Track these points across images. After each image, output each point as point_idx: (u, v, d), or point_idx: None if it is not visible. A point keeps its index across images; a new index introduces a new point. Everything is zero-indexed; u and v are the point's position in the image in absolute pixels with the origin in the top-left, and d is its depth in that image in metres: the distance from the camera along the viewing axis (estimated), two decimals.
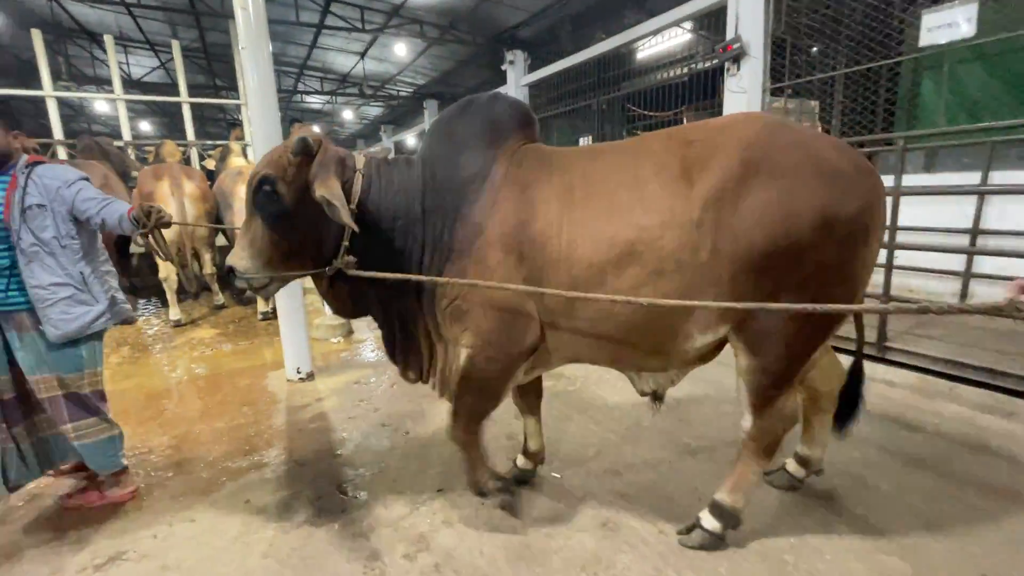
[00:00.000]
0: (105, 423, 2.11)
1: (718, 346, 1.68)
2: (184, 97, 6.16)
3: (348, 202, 1.65)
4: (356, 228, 1.60)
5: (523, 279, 1.62)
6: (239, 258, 1.73)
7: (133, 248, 5.61)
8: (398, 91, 14.12)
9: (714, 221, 1.46)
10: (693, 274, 1.50)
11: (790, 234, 1.41)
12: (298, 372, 3.51)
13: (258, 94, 3.17)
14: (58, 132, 6.36)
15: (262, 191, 1.67)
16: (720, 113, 6.48)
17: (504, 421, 2.80)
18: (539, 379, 2.14)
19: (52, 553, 1.90)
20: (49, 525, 2.07)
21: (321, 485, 2.28)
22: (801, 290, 1.46)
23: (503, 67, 9.78)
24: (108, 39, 7.14)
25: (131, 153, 6.31)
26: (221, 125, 15.72)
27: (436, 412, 2.96)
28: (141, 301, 5.64)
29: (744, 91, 5.27)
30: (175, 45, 6.70)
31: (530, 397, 2.18)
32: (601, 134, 8.43)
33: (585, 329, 1.66)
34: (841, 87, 5.60)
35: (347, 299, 1.87)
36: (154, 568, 1.81)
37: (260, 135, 3.22)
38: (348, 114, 16.12)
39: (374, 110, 17.40)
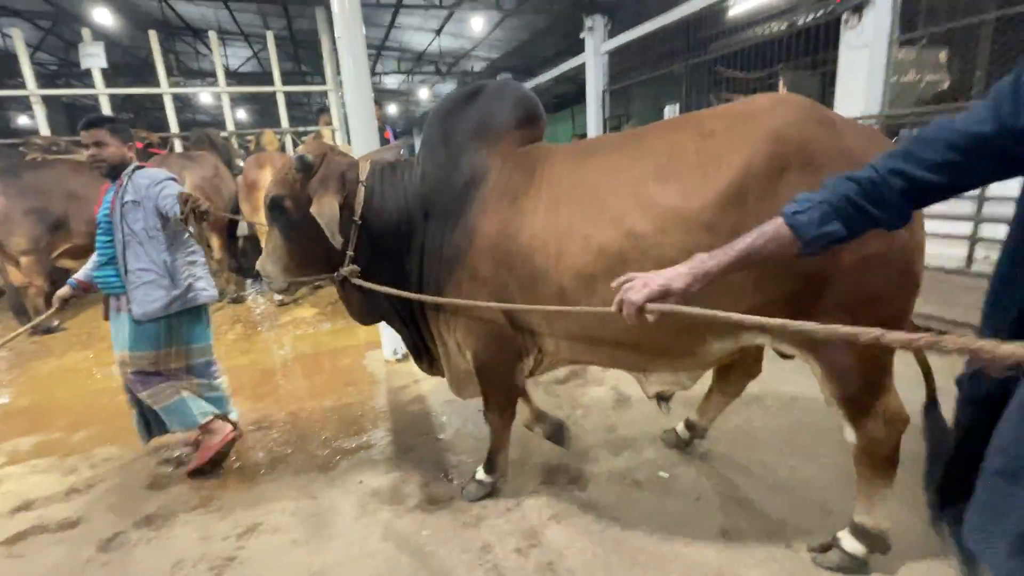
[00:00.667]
0: (172, 388, 2.35)
1: (753, 353, 1.67)
2: (278, 86, 6.48)
3: (352, 214, 1.77)
4: (338, 245, 1.69)
5: (516, 290, 1.65)
6: (263, 263, 1.98)
7: (238, 232, 6.04)
8: (472, 67, 14.04)
9: (735, 223, 1.31)
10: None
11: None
12: (395, 353, 3.63)
13: (353, 80, 3.21)
14: (173, 125, 6.94)
15: (274, 208, 1.83)
16: (825, 72, 5.78)
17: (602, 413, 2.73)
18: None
19: (200, 519, 2.11)
20: (195, 493, 2.30)
21: (427, 469, 2.35)
22: (849, 292, 1.33)
23: (581, 35, 9.38)
24: (212, 35, 7.60)
25: (234, 142, 6.77)
26: (306, 111, 16.52)
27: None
28: (248, 281, 6.10)
29: (866, 46, 4.64)
30: (269, 36, 7.01)
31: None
32: (688, 102, 7.89)
33: (580, 335, 1.66)
34: (990, 35, 4.78)
35: (359, 305, 1.98)
36: (286, 542, 1.95)
37: (356, 120, 3.28)
38: (424, 92, 16.31)
39: (448, 87, 17.48)
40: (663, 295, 1.07)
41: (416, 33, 11.52)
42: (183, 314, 2.35)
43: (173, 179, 2.31)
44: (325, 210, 1.69)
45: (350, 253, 1.80)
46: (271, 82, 7.17)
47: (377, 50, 12.93)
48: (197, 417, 2.37)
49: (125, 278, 2.24)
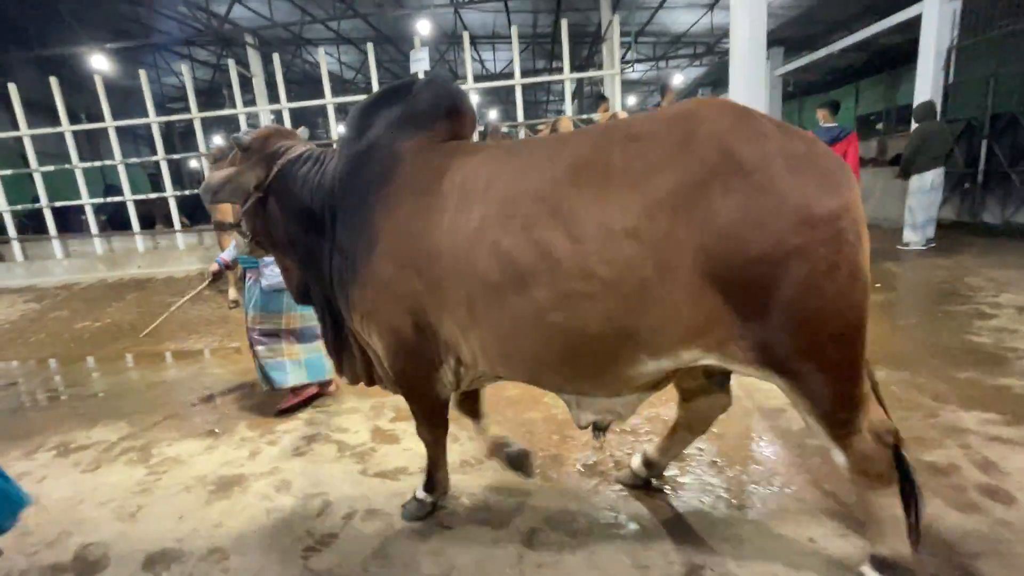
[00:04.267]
0: (283, 350, 2.95)
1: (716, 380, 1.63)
2: (567, 74, 6.56)
3: (257, 188, 1.82)
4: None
5: (424, 293, 1.53)
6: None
7: None
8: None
9: (664, 232, 1.23)
10: (630, 295, 1.26)
11: (768, 240, 1.18)
12: None
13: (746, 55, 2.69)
14: None
15: None
16: None
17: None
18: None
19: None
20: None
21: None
22: (795, 299, 1.19)
23: None
24: (466, 35, 7.96)
25: (522, 133, 7.12)
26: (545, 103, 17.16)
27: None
28: None
29: None
30: (564, 23, 6.97)
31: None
32: None
33: (496, 345, 1.48)
34: None
35: (293, 285, 2.01)
36: None
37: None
38: (678, 79, 15.31)
39: (694, 72, 16.20)
40: None
41: (683, 12, 10.73)
42: None
43: None
44: (212, 176, 1.84)
45: (242, 215, 1.89)
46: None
47: (632, 38, 12.58)
48: (290, 380, 2.94)
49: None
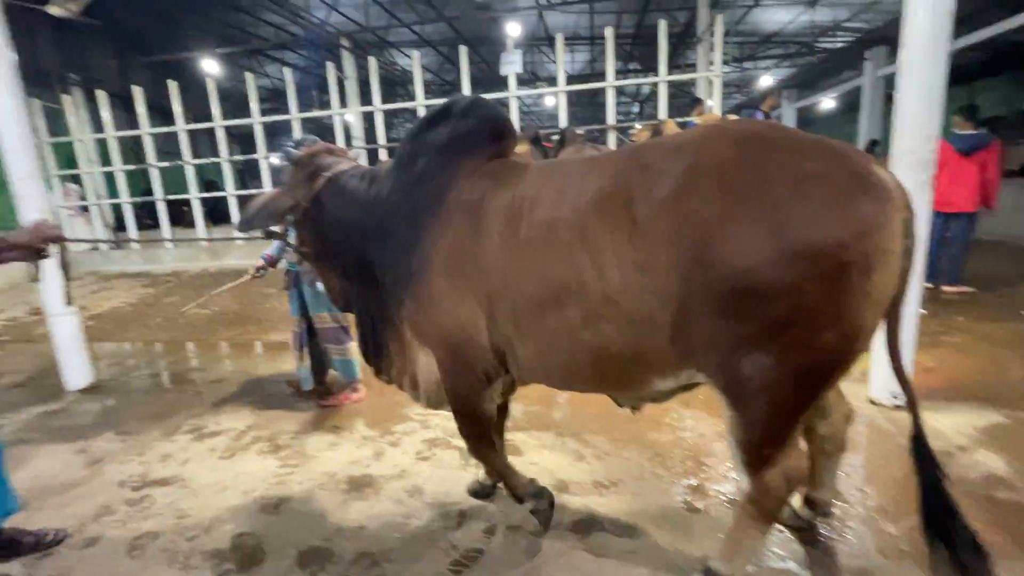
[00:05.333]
0: (348, 348, 3.11)
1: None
2: (663, 75, 6.32)
3: (304, 200, 1.95)
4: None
5: (475, 309, 1.60)
6: None
7: None
8: (832, 43, 11.78)
9: (666, 264, 1.27)
10: (640, 321, 1.34)
11: (754, 273, 1.17)
12: (894, 397, 2.78)
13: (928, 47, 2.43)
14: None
15: None
16: None
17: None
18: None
19: None
20: None
21: None
22: (778, 335, 1.20)
23: None
24: (559, 38, 7.87)
25: (612, 137, 6.95)
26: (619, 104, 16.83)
27: None
28: None
29: None
30: (662, 24, 6.72)
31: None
32: None
33: (537, 357, 1.58)
34: None
35: (337, 293, 2.10)
36: None
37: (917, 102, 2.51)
38: (766, 80, 14.58)
39: (780, 73, 15.33)
40: None
41: (777, 10, 10.16)
42: None
43: None
44: (263, 197, 1.98)
45: (285, 221, 2.07)
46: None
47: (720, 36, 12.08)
48: (358, 374, 3.19)
49: None
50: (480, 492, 2.20)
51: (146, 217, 9.72)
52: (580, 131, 5.81)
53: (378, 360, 2.03)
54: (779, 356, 1.22)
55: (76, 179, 8.98)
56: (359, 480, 2.39)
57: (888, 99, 14.42)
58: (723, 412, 1.38)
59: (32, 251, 1.81)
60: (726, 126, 1.39)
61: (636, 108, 20.70)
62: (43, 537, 2.03)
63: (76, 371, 3.78)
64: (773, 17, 10.48)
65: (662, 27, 6.36)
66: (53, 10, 5.61)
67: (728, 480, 2.23)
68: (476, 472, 2.38)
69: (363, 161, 7.33)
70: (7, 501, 1.93)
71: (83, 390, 3.76)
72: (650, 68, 12.52)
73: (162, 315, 5.98)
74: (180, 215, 9.43)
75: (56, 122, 8.64)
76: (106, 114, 8.05)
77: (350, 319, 3.04)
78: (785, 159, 1.22)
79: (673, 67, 13.62)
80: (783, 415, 1.32)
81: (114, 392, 3.71)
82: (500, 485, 2.16)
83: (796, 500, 1.87)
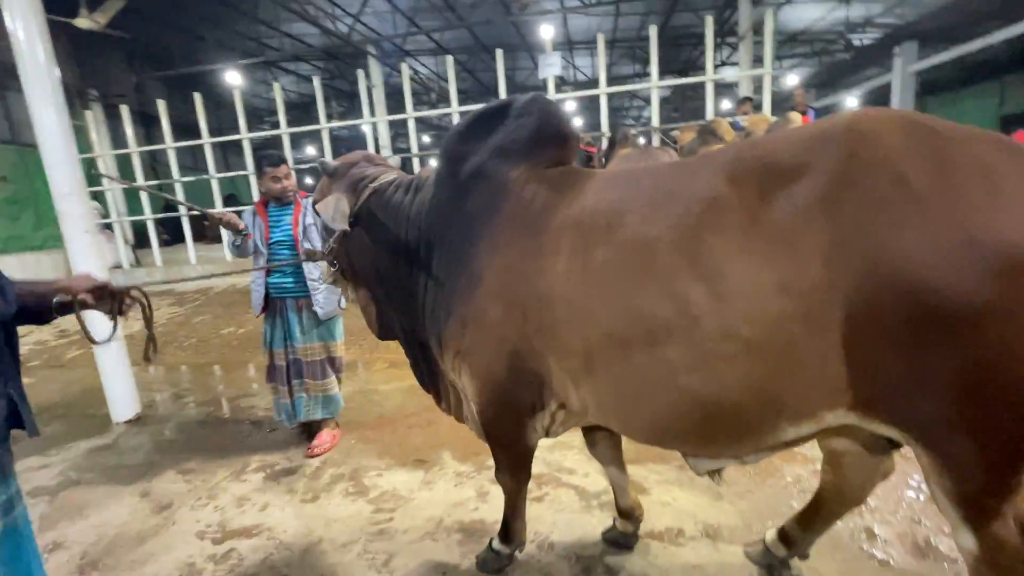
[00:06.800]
0: (338, 380, 2.91)
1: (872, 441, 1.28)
2: (709, 74, 6.10)
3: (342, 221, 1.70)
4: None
5: (533, 337, 1.39)
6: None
7: None
8: (861, 40, 11.55)
9: (817, 282, 1.02)
10: (775, 356, 1.07)
11: (948, 290, 0.93)
12: None
13: None
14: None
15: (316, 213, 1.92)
16: None
17: None
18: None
19: None
20: None
21: None
22: (972, 363, 0.95)
23: None
24: (600, 38, 7.63)
25: (656, 138, 6.71)
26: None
27: None
28: None
29: None
30: (709, 19, 6.43)
31: (599, 446, 1.81)
32: None
33: (613, 402, 1.33)
34: None
35: (374, 320, 1.92)
36: None
37: None
38: (792, 79, 14.32)
39: (802, 71, 15.09)
40: None
41: (807, 7, 9.93)
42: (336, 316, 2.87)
43: None
44: (329, 202, 1.71)
45: (331, 245, 1.81)
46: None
47: (742, 36, 11.86)
48: (340, 407, 2.94)
49: (309, 285, 2.69)
50: (621, 541, 1.91)
51: (164, 233, 9.51)
52: (634, 131, 5.58)
53: (435, 389, 1.88)
54: (991, 392, 0.96)
55: (95, 196, 8.79)
56: (471, 528, 2.10)
57: (919, 96, 14.23)
58: (920, 463, 1.10)
59: (104, 302, 1.29)
60: (874, 112, 1.13)
61: (648, 112, 20.51)
62: None
63: (122, 401, 3.52)
64: (803, 14, 10.25)
65: (708, 23, 6.12)
66: (81, 23, 5.42)
67: (906, 522, 1.94)
68: (603, 515, 2.10)
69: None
70: None
71: (130, 421, 3.50)
72: (669, 71, 12.31)
73: (195, 335, 5.72)
74: (202, 230, 9.22)
75: (77, 138, 8.45)
76: (129, 129, 7.86)
77: (340, 349, 2.93)
78: (967, 150, 0.99)
79: (698, 68, 13.41)
80: (1004, 458, 1.03)
81: (164, 423, 3.45)
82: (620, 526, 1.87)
83: (770, 534, 1.70)
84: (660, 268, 1.18)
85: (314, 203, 1.88)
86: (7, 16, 2.96)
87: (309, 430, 2.97)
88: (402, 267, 1.71)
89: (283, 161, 2.74)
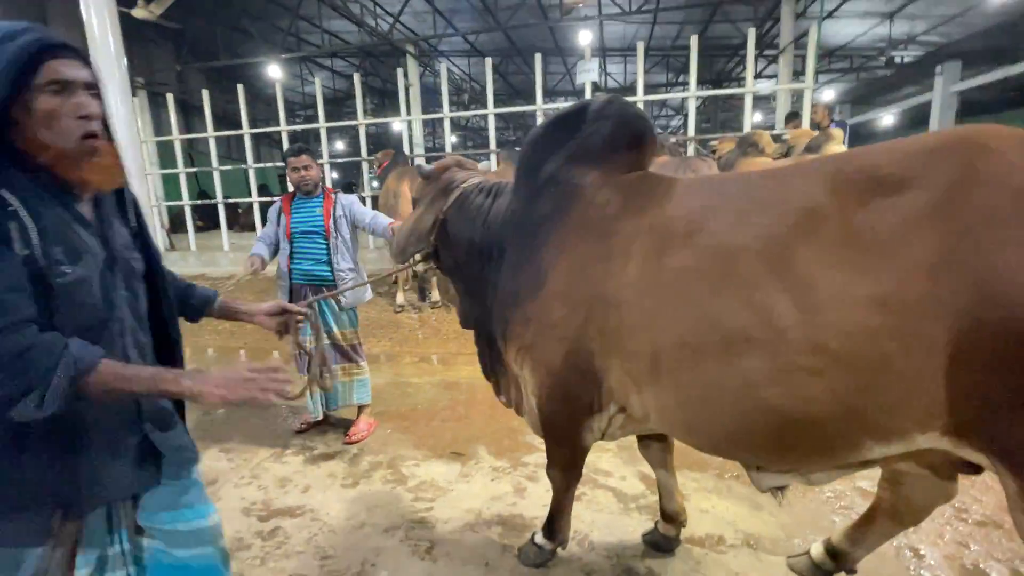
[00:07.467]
0: (362, 367, 2.97)
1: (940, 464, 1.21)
2: (749, 86, 6.06)
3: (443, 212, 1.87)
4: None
5: (597, 340, 1.40)
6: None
7: None
8: (902, 57, 11.35)
9: (920, 298, 0.98)
10: (865, 371, 1.03)
11: None
12: None
13: None
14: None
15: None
16: None
17: None
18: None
19: None
20: None
21: None
22: None
23: None
24: (640, 46, 7.64)
25: (691, 148, 6.70)
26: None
27: None
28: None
29: None
30: (751, 32, 6.35)
31: (652, 448, 1.84)
32: None
33: (679, 410, 1.31)
34: None
35: (460, 306, 2.02)
36: None
37: None
38: (827, 94, 14.14)
39: (837, 88, 14.88)
40: None
41: (849, 23, 9.80)
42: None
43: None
44: (408, 219, 2.03)
45: (432, 239, 1.91)
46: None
47: (781, 49, 11.75)
48: (370, 395, 3.01)
49: (336, 275, 2.82)
50: (662, 544, 1.93)
51: (198, 219, 9.77)
52: (673, 139, 5.58)
53: (495, 380, 1.95)
54: None
55: None
56: (511, 522, 2.13)
57: (959, 116, 13.90)
58: (1006, 490, 1.04)
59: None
60: (989, 127, 1.09)
61: (676, 121, 20.44)
62: None
63: None
64: (844, 29, 10.12)
65: (751, 35, 6.10)
66: (139, 13, 5.62)
67: (953, 545, 1.92)
68: (642, 517, 2.11)
69: None
70: None
71: None
72: (701, 81, 12.23)
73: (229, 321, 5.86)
74: (235, 218, 9.44)
75: None
76: (173, 117, 8.10)
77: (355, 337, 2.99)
78: None
79: (731, 79, 13.32)
80: None
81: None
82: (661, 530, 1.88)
83: (816, 548, 1.67)
84: (744, 276, 1.16)
85: (413, 200, 2.09)
86: (83, 8, 3.10)
87: (328, 421, 3.05)
88: (477, 264, 1.80)
89: (303, 151, 2.86)
